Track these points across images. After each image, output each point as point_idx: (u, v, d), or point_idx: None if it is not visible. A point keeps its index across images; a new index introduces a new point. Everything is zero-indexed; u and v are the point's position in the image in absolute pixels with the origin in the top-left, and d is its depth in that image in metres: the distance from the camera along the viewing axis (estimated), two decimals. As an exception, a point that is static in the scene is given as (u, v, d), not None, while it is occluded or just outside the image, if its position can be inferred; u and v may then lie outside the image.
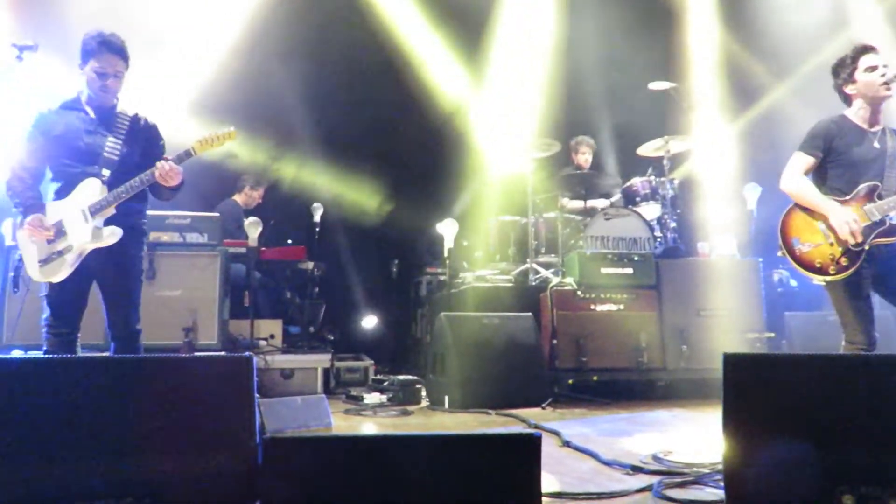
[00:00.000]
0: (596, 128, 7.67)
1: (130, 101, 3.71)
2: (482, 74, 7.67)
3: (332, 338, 6.71)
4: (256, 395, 2.20)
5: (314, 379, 5.62)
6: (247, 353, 2.12)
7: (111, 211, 3.47)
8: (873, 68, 3.44)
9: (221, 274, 5.39)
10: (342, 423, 4.40)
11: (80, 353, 3.49)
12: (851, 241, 3.34)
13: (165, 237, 5.36)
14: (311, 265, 6.32)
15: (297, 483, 1.71)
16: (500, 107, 7.44)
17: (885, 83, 3.41)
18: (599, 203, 6.68)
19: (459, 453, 1.73)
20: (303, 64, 7.32)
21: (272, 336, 5.86)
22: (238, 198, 6.99)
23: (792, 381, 2.34)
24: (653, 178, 6.42)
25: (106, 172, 3.47)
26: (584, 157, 7.03)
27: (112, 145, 3.52)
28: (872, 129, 3.51)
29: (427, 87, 7.79)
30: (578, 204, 6.59)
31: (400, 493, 1.68)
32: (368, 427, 4.42)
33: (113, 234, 3.46)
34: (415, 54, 7.77)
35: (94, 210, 3.44)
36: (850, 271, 3.35)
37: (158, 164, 3.44)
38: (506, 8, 7.64)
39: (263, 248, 6.17)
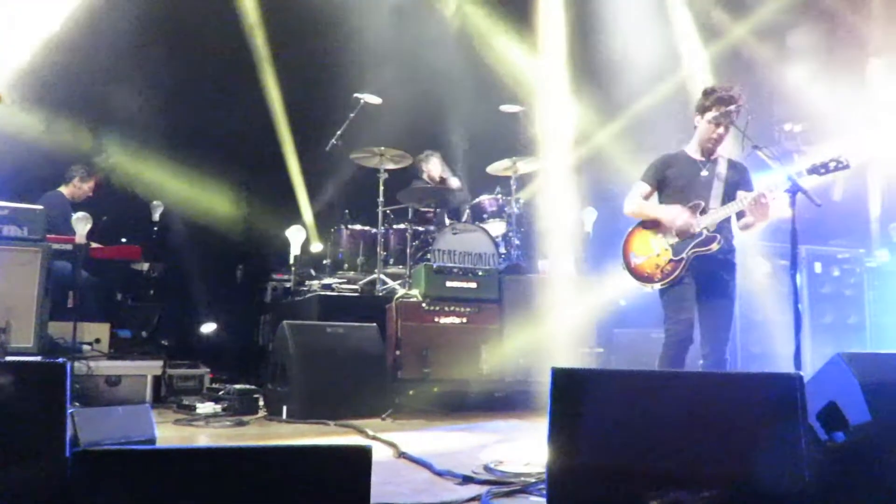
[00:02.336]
0: (447, 143, 7.84)
1: None
2: (341, 79, 7.61)
3: (166, 343, 6.37)
4: (76, 405, 2.04)
5: (143, 387, 5.32)
6: (60, 359, 1.96)
7: None
8: (718, 123, 3.80)
9: (42, 271, 4.94)
10: (171, 433, 4.18)
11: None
12: (691, 229, 3.74)
13: (-22, 229, 4.85)
14: (146, 266, 5.98)
15: (109, 499, 1.60)
16: (355, 116, 7.40)
17: (717, 140, 3.82)
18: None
19: (286, 466, 1.69)
20: (153, 51, 6.93)
21: (98, 340, 5.47)
22: (65, 189, 6.39)
23: (611, 394, 2.50)
24: (500, 196, 6.65)
25: None
26: (436, 169, 7.17)
27: None
28: (704, 160, 3.93)
29: (283, 90, 7.64)
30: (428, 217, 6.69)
31: (220, 508, 1.62)
32: (199, 438, 4.23)
33: None
34: (273, 57, 7.61)
35: None
36: (672, 277, 3.76)
37: None
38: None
39: (94, 246, 5.76)
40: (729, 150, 4.02)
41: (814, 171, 3.49)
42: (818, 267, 6.40)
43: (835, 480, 2.55)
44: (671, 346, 3.75)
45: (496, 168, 6.76)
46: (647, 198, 3.99)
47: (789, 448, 2.32)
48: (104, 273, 6.05)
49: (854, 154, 3.67)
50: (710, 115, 3.82)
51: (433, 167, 7.16)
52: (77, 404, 4.52)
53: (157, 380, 5.50)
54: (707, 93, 3.90)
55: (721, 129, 3.82)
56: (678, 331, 3.74)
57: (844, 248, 6.64)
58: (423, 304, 5.58)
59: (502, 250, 6.33)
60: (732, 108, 3.74)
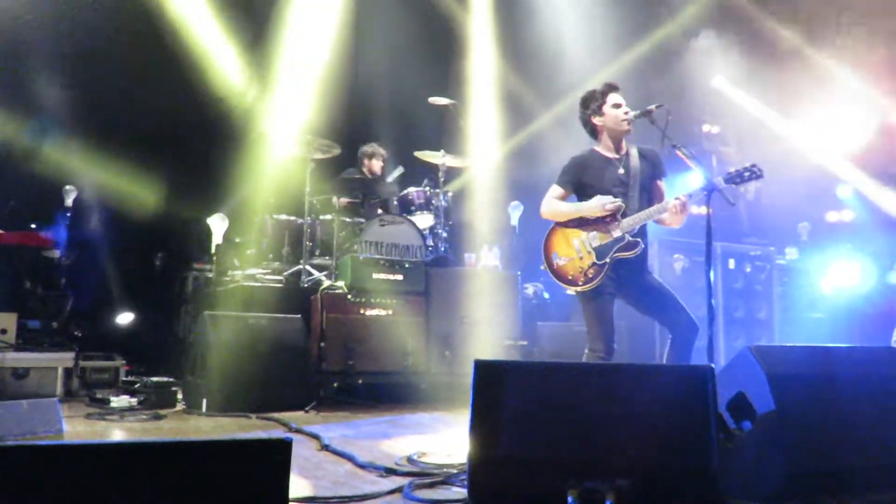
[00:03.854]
0: (376, 135, 7.76)
1: None
2: (266, 70, 7.45)
3: (79, 334, 6.11)
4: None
5: (53, 379, 5.09)
6: (-42, 351, 1.85)
7: None
8: (618, 105, 3.88)
9: (-59, 258, 4.68)
10: (82, 428, 4.02)
11: None
12: (615, 209, 3.74)
13: None
14: (58, 253, 5.71)
15: (10, 497, 1.52)
16: (283, 105, 7.26)
17: (626, 120, 3.86)
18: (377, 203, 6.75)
19: (201, 460, 1.64)
20: (69, 29, 6.61)
21: (4, 331, 5.20)
22: None
23: (532, 386, 2.54)
24: (428, 188, 6.65)
25: None
26: (378, 165, 7.09)
27: None
28: (617, 157, 3.93)
29: (206, 75, 7.42)
30: (355, 207, 6.63)
31: (130, 504, 1.56)
32: (112, 433, 4.08)
33: None
34: (198, 41, 7.38)
35: None
36: (596, 282, 3.75)
37: None
38: (294, 6, 7.50)
39: (1, 232, 5.48)
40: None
41: (730, 180, 3.61)
42: (732, 263, 6.68)
43: (742, 467, 2.67)
44: (599, 357, 3.73)
45: (425, 154, 6.74)
46: (561, 200, 3.95)
47: (700, 436, 2.41)
48: (11, 260, 5.77)
49: (767, 157, 3.83)
50: (609, 101, 3.87)
51: (375, 163, 7.06)
52: (-21, 398, 4.30)
53: (68, 372, 5.28)
54: (590, 95, 3.95)
55: (626, 107, 3.86)
56: (602, 348, 3.73)
57: (756, 246, 6.95)
58: (349, 296, 5.53)
59: (429, 243, 6.34)
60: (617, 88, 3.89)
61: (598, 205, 3.77)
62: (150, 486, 1.58)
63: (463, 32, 7.91)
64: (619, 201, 3.77)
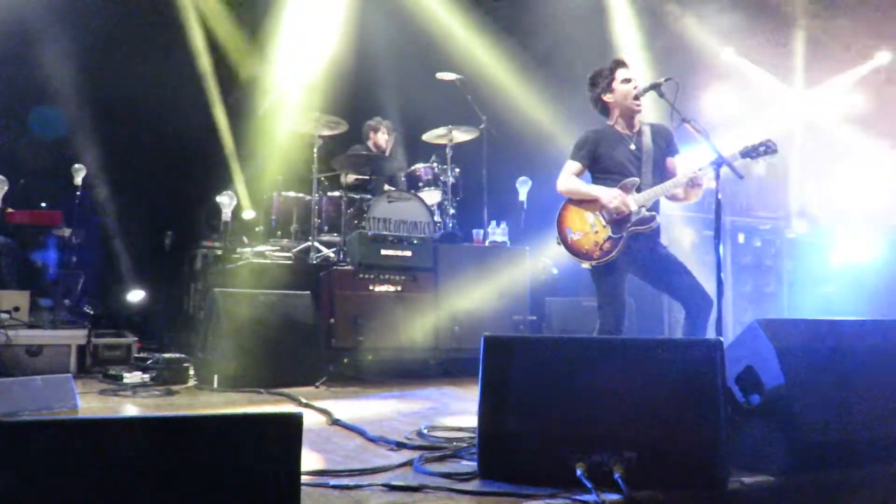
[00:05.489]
0: (383, 111, 7.73)
1: None
2: (271, 46, 7.41)
3: (91, 312, 6.16)
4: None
5: (66, 357, 5.14)
6: (-27, 328, 1.88)
7: None
8: (628, 80, 3.86)
9: (-46, 237, 4.71)
10: (96, 404, 4.07)
11: None
12: (625, 210, 3.74)
13: None
14: (68, 232, 5.74)
15: (26, 471, 1.55)
16: (288, 81, 7.23)
17: (636, 97, 3.84)
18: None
19: (214, 435, 1.67)
20: (68, 15, 6.58)
21: (17, 308, 5.25)
22: None
23: (540, 361, 2.55)
24: (435, 164, 6.64)
25: None
26: (384, 139, 7.05)
27: None
28: (629, 133, 3.93)
29: (212, 53, 7.39)
30: (362, 184, 6.63)
31: (143, 479, 1.58)
32: (125, 408, 4.13)
33: None
34: (200, 17, 7.33)
35: None
36: (612, 255, 3.76)
37: None
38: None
39: (11, 210, 5.51)
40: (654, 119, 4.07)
41: (745, 154, 3.60)
42: (741, 238, 6.66)
43: (750, 440, 2.68)
44: (610, 333, 3.74)
45: (431, 136, 6.73)
46: (579, 175, 3.96)
47: (708, 410, 2.42)
48: (23, 239, 5.80)
49: (776, 130, 3.80)
50: (618, 77, 3.87)
51: (381, 136, 7.01)
52: (-5, 375, 4.36)
53: (81, 349, 5.33)
54: (598, 73, 3.94)
55: (636, 82, 3.85)
56: (614, 324, 3.75)
57: (766, 220, 6.91)
58: (358, 273, 5.55)
59: (437, 219, 6.33)
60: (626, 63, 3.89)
61: (612, 196, 3.76)
62: (165, 459, 1.61)
63: (467, 6, 7.82)
64: (627, 199, 3.76)
